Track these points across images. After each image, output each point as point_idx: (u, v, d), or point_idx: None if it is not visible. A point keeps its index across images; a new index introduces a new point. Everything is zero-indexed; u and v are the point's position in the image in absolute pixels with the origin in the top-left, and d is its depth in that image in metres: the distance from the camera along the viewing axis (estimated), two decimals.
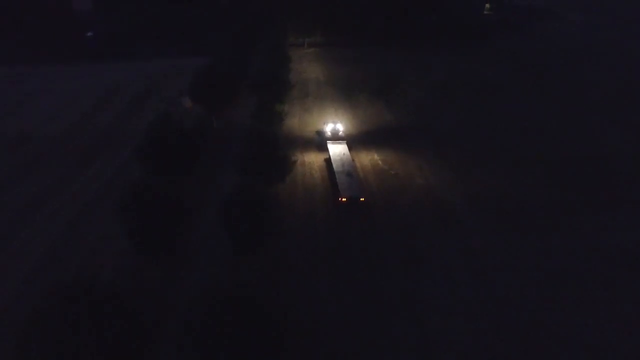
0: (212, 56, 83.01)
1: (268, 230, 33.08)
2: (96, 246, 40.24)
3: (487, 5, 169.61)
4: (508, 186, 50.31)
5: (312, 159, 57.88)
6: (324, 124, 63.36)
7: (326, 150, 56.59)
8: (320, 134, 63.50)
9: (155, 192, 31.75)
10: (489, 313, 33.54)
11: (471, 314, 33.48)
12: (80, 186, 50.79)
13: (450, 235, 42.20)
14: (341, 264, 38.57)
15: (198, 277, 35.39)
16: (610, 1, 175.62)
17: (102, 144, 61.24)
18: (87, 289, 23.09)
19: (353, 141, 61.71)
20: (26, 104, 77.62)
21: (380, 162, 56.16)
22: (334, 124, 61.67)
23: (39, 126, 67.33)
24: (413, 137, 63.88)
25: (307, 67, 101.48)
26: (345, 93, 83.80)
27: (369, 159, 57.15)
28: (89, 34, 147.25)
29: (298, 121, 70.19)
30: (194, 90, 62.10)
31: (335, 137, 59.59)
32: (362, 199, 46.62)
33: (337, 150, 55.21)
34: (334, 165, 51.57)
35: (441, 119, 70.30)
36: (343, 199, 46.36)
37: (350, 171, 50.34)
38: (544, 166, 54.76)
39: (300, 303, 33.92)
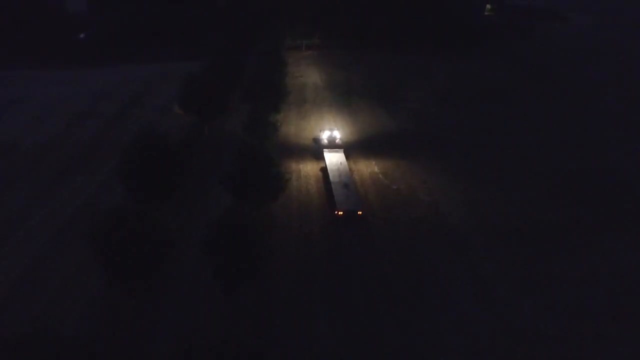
0: (205, 61, 79.78)
1: (257, 265, 29.76)
2: (64, 283, 35.22)
3: (488, 6, 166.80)
4: (518, 203, 46.99)
5: (308, 169, 54.84)
6: (321, 131, 60.79)
7: (323, 158, 53.93)
8: (317, 141, 60.83)
9: (131, 222, 28.39)
10: (502, 353, 30.34)
11: (482, 355, 30.28)
12: (55, 207, 46.16)
13: (458, 261, 38.85)
14: (339, 296, 35.15)
15: (177, 321, 31.48)
16: (610, 1, 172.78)
17: (85, 157, 57.28)
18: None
19: (352, 151, 58.63)
20: (7, 111, 73.86)
21: (380, 175, 52.87)
22: (331, 131, 59.05)
23: (19, 137, 63.30)
24: (415, 146, 60.66)
25: (305, 70, 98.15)
26: (345, 98, 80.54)
27: (368, 171, 53.84)
28: (82, 35, 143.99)
29: (295, 129, 66.92)
30: (183, 99, 58.68)
31: (332, 145, 56.98)
32: (359, 213, 43.62)
33: (333, 160, 52.54)
34: (330, 176, 48.85)
35: (445, 127, 67.06)
36: (339, 213, 43.48)
37: (347, 182, 47.46)
38: (556, 179, 51.55)
39: (293, 347, 30.67)
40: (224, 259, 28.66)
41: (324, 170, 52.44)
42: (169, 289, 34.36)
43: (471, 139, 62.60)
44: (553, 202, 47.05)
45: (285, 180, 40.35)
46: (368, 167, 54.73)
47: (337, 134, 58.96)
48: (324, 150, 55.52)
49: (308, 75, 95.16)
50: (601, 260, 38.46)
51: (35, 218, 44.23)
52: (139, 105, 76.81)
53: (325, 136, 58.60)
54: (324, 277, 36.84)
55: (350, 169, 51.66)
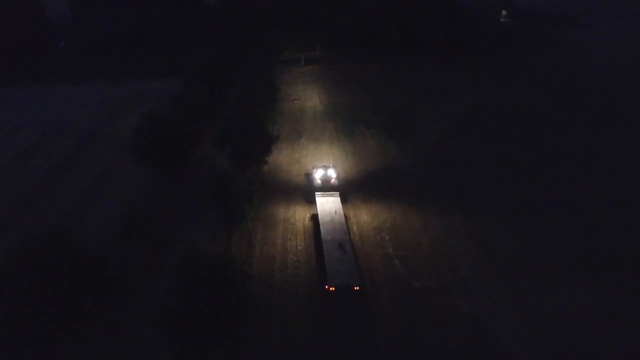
0: (185, 80, 66.47)
1: None
2: None
3: (504, 12, 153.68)
4: (595, 322, 32.74)
5: (297, 219, 43.44)
6: (313, 168, 50.64)
7: (314, 202, 44.18)
8: (309, 179, 51.12)
9: None
10: None
11: None
12: None
13: None
14: None
15: None
16: (611, 2, 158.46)
17: (5, 228, 43.05)
18: None
19: (358, 215, 44.82)
20: None
21: (397, 261, 38.65)
22: (325, 169, 48.73)
23: None
24: (440, 206, 46.20)
25: (303, 91, 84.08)
26: (348, 129, 66.52)
27: (380, 253, 39.52)
28: (61, 43, 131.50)
29: (285, 176, 52.95)
30: (137, 144, 44.77)
31: (327, 187, 46.72)
32: (356, 288, 33.90)
33: (327, 207, 42.42)
34: (322, 231, 38.77)
35: (475, 173, 52.52)
36: (331, 288, 33.41)
37: (343, 241, 37.26)
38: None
39: None
40: None
41: (315, 219, 42.39)
42: None
43: (512, 194, 48.21)
44: None
45: (254, 306, 26.22)
46: (379, 246, 40.34)
47: (333, 173, 48.43)
48: (316, 193, 44.96)
49: (306, 97, 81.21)
50: None
51: None
52: (98, 141, 63.19)
53: (318, 175, 48.02)
54: None
55: (345, 218, 41.68)
